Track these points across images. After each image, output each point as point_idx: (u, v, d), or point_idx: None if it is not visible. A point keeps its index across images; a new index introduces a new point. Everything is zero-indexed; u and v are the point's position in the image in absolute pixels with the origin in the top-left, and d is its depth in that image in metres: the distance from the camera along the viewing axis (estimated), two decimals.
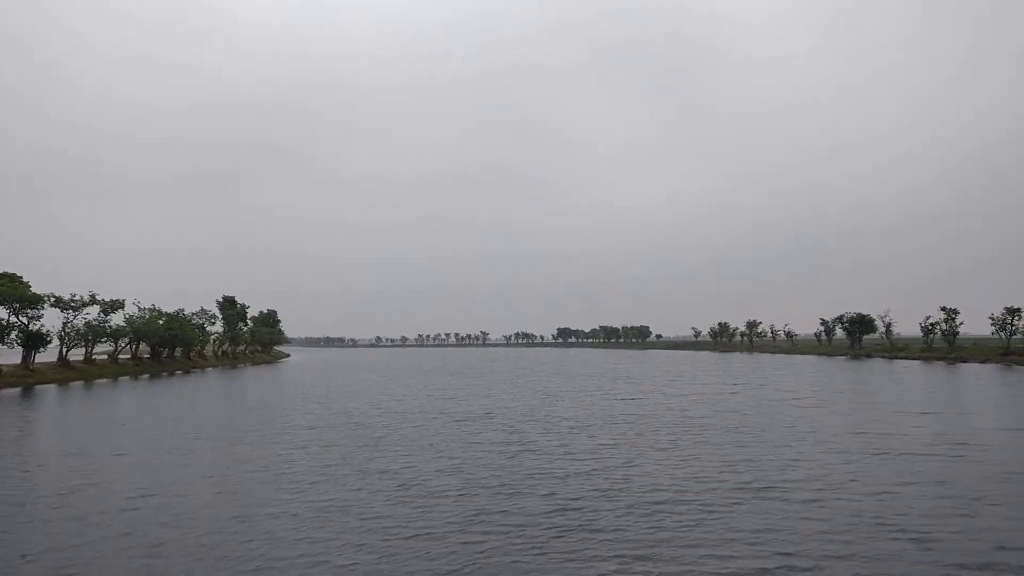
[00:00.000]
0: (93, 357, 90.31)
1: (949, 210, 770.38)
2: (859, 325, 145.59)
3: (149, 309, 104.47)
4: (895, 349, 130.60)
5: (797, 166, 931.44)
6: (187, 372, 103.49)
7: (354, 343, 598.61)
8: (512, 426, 31.77)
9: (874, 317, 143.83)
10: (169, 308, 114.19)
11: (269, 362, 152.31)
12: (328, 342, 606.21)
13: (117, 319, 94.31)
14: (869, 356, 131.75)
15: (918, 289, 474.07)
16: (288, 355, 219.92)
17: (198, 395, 55.33)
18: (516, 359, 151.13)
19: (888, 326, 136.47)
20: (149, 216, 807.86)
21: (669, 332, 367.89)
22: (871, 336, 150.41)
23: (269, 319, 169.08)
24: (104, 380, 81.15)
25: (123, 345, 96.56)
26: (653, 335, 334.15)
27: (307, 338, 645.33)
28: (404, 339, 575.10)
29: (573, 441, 27.05)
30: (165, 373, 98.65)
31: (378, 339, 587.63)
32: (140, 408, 44.32)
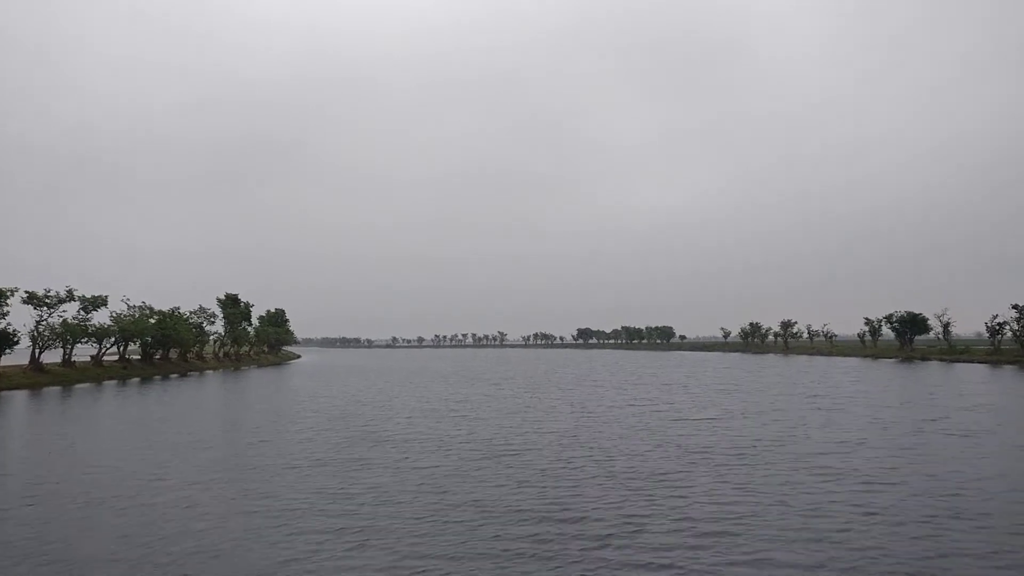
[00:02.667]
0: (73, 360, 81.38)
1: (988, 200, 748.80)
2: (911, 325, 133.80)
3: (139, 307, 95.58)
4: (955, 351, 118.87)
5: (821, 164, 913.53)
6: (184, 375, 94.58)
7: (370, 343, 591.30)
8: (567, 473, 21.56)
9: (927, 316, 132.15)
10: (182, 307, 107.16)
11: (276, 364, 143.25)
12: (344, 342, 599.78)
13: (101, 317, 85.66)
14: (924, 359, 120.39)
15: (953, 290, 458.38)
16: (299, 356, 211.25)
17: (171, 405, 45.54)
18: (538, 362, 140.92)
19: (946, 326, 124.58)
20: (163, 216, 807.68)
21: (691, 333, 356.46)
22: (921, 337, 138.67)
23: (276, 318, 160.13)
24: (85, 385, 72.46)
25: (107, 346, 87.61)
26: (676, 336, 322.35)
27: (323, 338, 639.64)
28: (420, 340, 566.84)
29: (672, 511, 16.80)
30: (158, 376, 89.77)
31: (394, 340, 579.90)
32: (71, 426, 34.58)
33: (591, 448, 25.90)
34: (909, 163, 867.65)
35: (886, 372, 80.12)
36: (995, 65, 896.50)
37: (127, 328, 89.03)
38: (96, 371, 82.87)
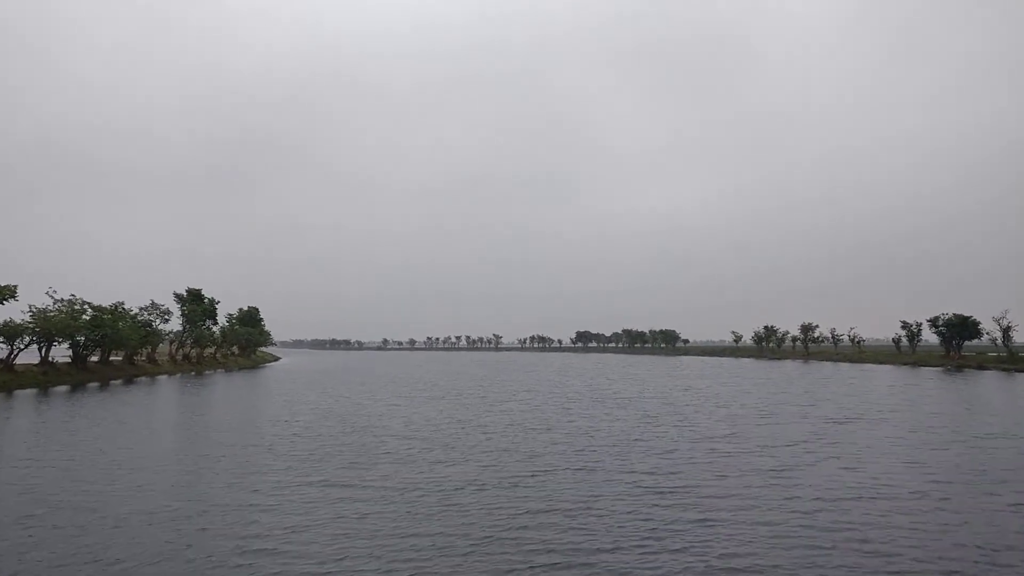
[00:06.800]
0: None
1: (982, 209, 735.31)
2: (959, 329, 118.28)
3: (68, 300, 79.60)
4: (1018, 359, 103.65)
5: (836, 166, 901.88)
6: (129, 381, 79.04)
7: (360, 345, 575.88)
8: None
9: (978, 319, 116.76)
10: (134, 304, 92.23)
11: (249, 368, 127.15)
12: (334, 344, 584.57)
13: (13, 312, 70.25)
14: (981, 367, 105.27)
15: (992, 294, 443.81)
16: (278, 359, 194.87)
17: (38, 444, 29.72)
18: (539, 368, 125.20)
19: (1007, 330, 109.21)
20: (152, 216, 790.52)
21: (695, 337, 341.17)
22: (970, 343, 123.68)
23: (248, 317, 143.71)
24: None
25: (22, 347, 71.67)
26: (680, 340, 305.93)
27: (313, 340, 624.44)
28: (412, 342, 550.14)
29: None
30: (95, 383, 74.24)
31: (385, 342, 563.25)
32: None
33: None
34: (927, 161, 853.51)
35: (977, 383, 64.56)
36: (1009, 58, 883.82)
37: (52, 325, 73.20)
38: (5, 377, 67.14)
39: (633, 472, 22.00)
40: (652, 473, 21.81)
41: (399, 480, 20.95)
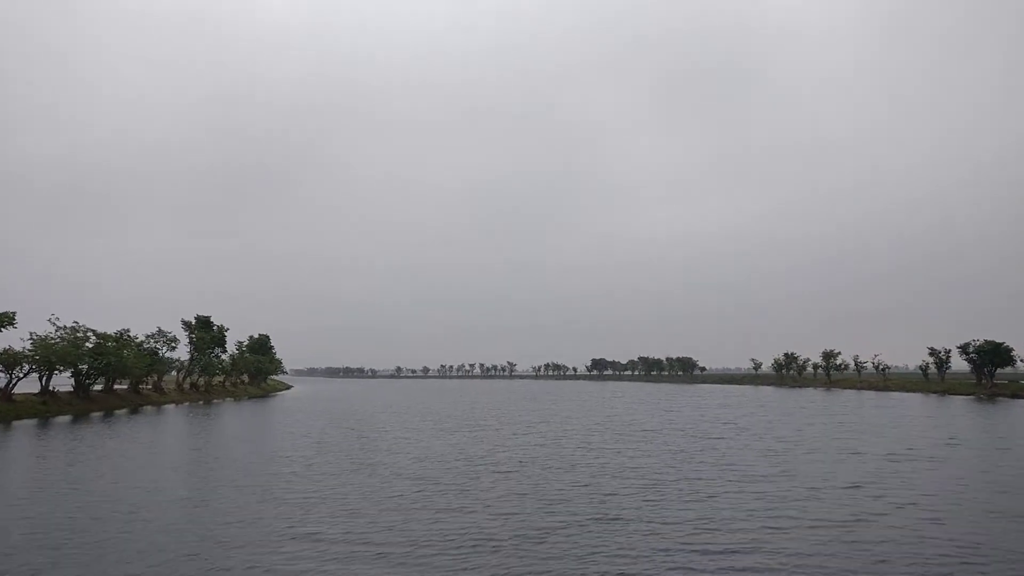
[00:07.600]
0: None
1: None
2: (992, 356, 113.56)
3: (71, 327, 77.44)
4: None
5: (852, 193, 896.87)
6: (134, 410, 76.63)
7: (373, 373, 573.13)
8: None
9: (1011, 346, 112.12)
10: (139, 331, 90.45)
11: (258, 397, 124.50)
12: (347, 372, 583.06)
13: (12, 340, 68.18)
14: (1014, 396, 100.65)
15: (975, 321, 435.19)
16: (289, 387, 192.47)
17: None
18: (555, 396, 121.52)
19: None
20: (165, 240, 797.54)
21: (712, 364, 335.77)
22: (1002, 371, 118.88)
23: (259, 345, 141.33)
24: None
25: (21, 375, 69.35)
26: (697, 367, 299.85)
27: (326, 368, 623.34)
28: (426, 370, 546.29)
29: None
30: (99, 413, 71.94)
31: (399, 370, 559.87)
32: None
33: None
34: (945, 190, 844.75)
35: (1020, 413, 60.44)
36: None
37: (51, 353, 70.94)
38: (3, 408, 64.75)
39: (677, 524, 18.82)
40: (700, 528, 18.57)
41: (405, 534, 17.92)
